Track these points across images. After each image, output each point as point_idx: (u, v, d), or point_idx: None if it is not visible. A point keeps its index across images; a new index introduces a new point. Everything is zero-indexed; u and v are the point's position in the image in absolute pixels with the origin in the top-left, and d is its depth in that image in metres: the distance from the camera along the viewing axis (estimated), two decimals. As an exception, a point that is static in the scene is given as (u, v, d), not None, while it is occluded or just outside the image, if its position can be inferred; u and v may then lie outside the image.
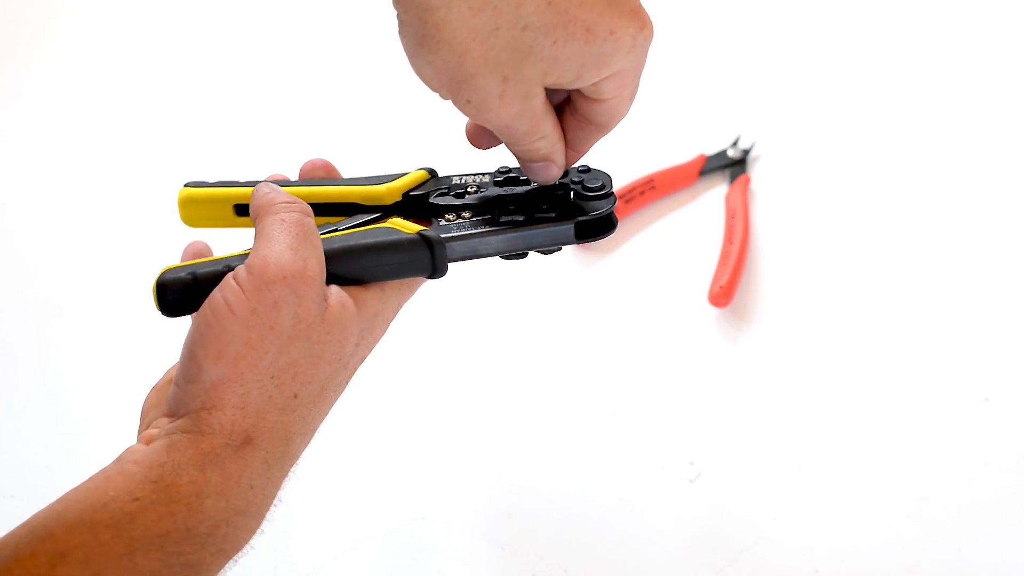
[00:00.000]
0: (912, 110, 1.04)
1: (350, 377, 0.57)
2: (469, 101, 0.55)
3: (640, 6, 0.55)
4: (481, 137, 0.62)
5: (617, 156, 1.04)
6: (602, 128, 0.59)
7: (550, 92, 0.57)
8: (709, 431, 0.82)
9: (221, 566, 0.51)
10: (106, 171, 1.05)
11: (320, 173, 0.65)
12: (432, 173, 0.62)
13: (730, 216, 0.95)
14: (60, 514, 0.48)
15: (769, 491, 0.78)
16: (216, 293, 0.52)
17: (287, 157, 1.07)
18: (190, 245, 0.63)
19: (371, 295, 0.56)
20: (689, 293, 0.91)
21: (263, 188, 0.57)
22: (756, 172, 1.00)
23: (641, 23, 0.55)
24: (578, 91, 0.57)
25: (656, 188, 0.98)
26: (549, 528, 0.78)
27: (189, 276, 0.54)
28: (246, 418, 0.51)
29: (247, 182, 0.62)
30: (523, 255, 0.60)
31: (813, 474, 0.79)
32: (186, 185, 0.63)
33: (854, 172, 1.00)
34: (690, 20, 1.14)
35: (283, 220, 0.54)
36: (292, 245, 0.53)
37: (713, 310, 0.89)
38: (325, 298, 0.54)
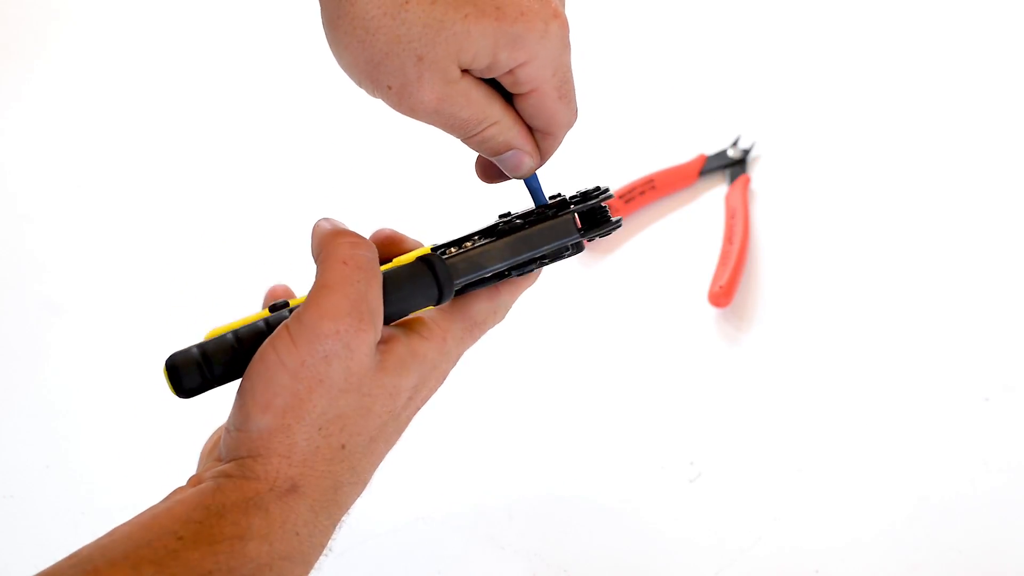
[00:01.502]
0: (912, 110, 1.04)
1: (403, 427, 0.56)
2: (390, 87, 0.54)
3: (551, 1, 0.55)
4: (485, 168, 0.61)
5: (617, 156, 1.05)
6: (547, 136, 0.58)
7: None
8: (709, 431, 0.82)
9: None
10: (107, 170, 1.05)
11: (386, 243, 0.62)
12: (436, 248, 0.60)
13: (730, 216, 0.95)
14: (105, 549, 0.48)
15: (769, 491, 0.78)
16: (268, 342, 0.51)
17: (286, 159, 1.07)
18: (270, 290, 0.62)
19: (431, 347, 0.55)
20: (689, 293, 0.91)
21: (324, 224, 0.55)
22: (756, 172, 1.00)
23: (552, 12, 0.54)
24: (510, 91, 0.56)
25: (656, 188, 0.98)
26: (549, 528, 0.78)
27: (198, 351, 0.52)
28: (292, 467, 0.51)
29: (260, 314, 0.59)
30: (532, 265, 0.59)
31: (813, 474, 0.79)
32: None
33: (854, 172, 0.99)
34: (690, 20, 1.14)
35: (344, 263, 0.52)
36: (349, 294, 0.52)
37: (713, 310, 0.89)
38: (381, 351, 0.53)
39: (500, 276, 0.58)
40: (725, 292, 0.89)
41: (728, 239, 0.93)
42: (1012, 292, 0.90)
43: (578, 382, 0.86)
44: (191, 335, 0.94)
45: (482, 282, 0.58)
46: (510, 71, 0.55)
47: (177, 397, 0.53)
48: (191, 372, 0.52)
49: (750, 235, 0.94)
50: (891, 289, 0.90)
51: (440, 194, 1.01)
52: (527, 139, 0.58)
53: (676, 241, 0.96)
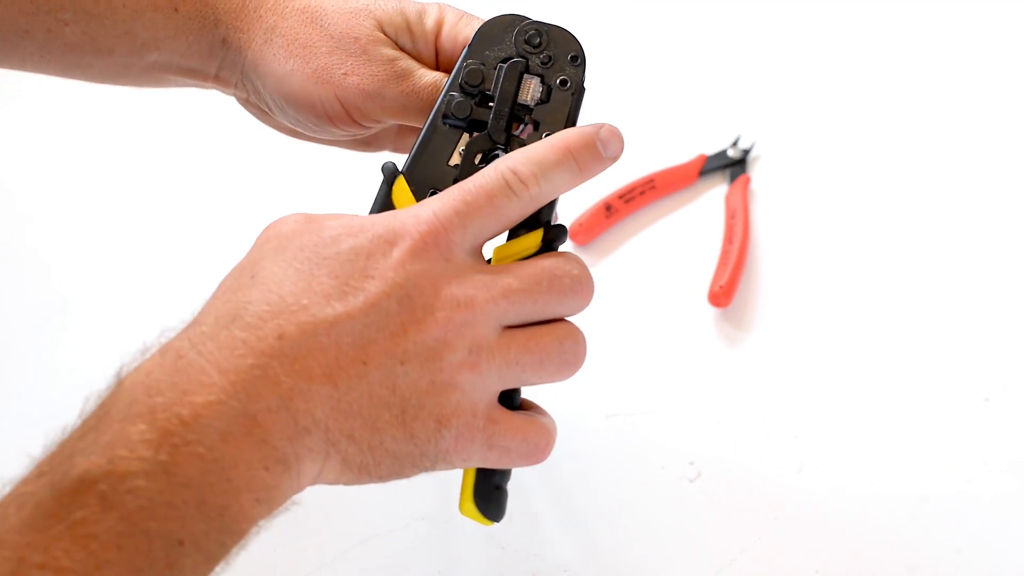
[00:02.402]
0: (912, 110, 1.04)
1: (382, 276, 0.51)
2: (345, 74, 0.60)
3: None
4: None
5: (617, 156, 1.04)
6: None
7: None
8: (709, 431, 0.82)
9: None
10: (111, 169, 1.05)
11: None
12: None
13: (730, 216, 0.95)
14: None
15: (769, 491, 0.78)
16: None
17: (293, 157, 1.07)
18: None
19: (397, 211, 0.54)
20: (689, 293, 0.91)
21: None
22: (756, 172, 1.00)
23: None
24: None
25: (656, 188, 0.98)
26: (549, 528, 0.78)
27: None
28: (207, 313, 0.52)
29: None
30: (474, 120, 0.58)
31: (813, 474, 0.79)
32: None
33: (854, 172, 1.00)
34: (690, 21, 1.14)
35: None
36: None
37: (713, 310, 0.89)
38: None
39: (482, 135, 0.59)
40: (725, 292, 0.89)
41: (728, 239, 0.93)
42: (1012, 293, 0.90)
43: (577, 382, 0.86)
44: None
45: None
46: (436, 50, 0.62)
47: None
48: None
49: (750, 235, 0.94)
50: (891, 289, 0.90)
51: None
52: None
53: (676, 241, 0.96)
